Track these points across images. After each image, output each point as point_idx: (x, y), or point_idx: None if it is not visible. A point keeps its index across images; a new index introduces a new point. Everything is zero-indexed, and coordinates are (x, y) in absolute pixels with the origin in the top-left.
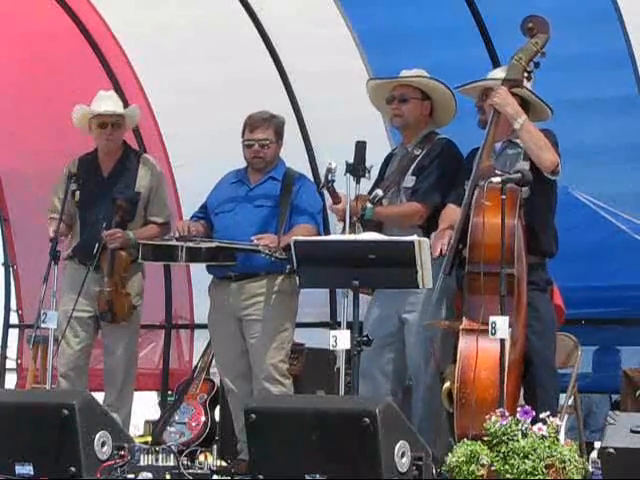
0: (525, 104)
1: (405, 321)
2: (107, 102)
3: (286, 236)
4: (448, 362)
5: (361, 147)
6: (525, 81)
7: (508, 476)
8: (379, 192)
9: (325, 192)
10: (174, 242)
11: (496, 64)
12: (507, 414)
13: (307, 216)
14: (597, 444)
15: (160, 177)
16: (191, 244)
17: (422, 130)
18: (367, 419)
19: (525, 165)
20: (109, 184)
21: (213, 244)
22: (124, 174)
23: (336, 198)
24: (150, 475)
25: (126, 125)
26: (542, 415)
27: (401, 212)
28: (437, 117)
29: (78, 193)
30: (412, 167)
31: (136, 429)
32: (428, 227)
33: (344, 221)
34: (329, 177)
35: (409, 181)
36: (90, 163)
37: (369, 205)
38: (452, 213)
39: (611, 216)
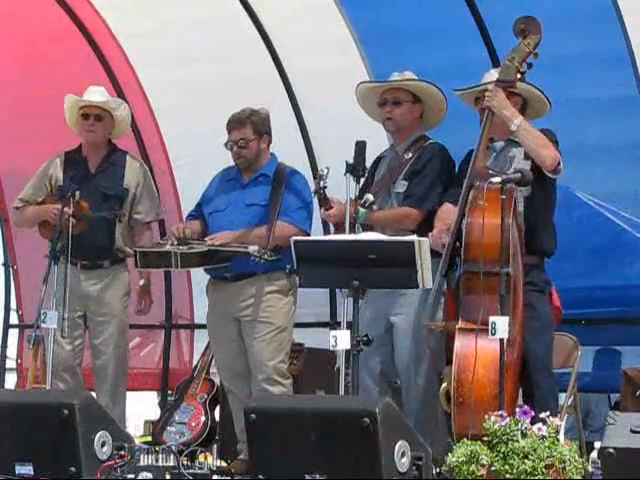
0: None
1: (393, 323)
2: (92, 95)
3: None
4: (443, 363)
5: (361, 147)
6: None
7: (508, 476)
8: (370, 197)
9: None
10: (167, 248)
11: (496, 64)
12: (505, 415)
13: (291, 211)
14: (597, 444)
15: (146, 176)
16: (184, 248)
17: (413, 133)
18: (367, 419)
19: (526, 165)
20: (96, 179)
21: (204, 248)
22: (111, 170)
23: (327, 204)
24: (150, 475)
25: (114, 121)
26: (542, 415)
27: (394, 216)
28: (427, 119)
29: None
30: (404, 171)
31: (136, 429)
32: (420, 232)
33: (337, 225)
34: (321, 184)
35: (401, 186)
36: (76, 158)
37: (361, 210)
38: (450, 213)
39: (612, 215)
